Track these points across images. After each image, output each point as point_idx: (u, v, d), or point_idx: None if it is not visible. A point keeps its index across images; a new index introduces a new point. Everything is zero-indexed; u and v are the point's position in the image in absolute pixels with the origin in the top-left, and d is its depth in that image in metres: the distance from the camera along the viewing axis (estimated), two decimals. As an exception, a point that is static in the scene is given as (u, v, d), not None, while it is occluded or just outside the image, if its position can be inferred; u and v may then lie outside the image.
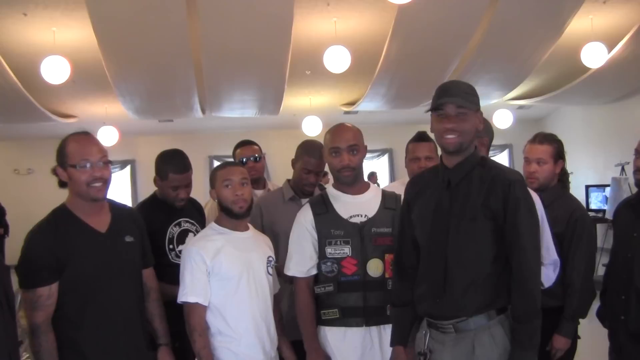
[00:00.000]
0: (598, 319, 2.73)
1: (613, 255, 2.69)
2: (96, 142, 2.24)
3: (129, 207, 2.60)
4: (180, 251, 2.82)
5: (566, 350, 2.71)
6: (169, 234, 2.86)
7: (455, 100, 1.98)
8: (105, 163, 2.20)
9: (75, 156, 2.16)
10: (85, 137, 2.23)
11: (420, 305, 2.08)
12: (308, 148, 2.96)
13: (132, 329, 2.26)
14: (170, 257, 2.84)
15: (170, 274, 2.63)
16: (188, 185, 2.89)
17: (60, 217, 2.19)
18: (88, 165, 2.15)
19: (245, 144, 3.59)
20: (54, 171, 2.24)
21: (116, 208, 2.36)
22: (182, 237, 2.88)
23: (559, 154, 2.84)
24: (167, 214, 2.89)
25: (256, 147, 3.58)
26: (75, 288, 2.13)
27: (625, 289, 2.49)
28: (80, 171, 2.15)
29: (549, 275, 2.41)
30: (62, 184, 2.25)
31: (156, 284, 2.46)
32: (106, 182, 2.20)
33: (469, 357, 1.96)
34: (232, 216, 2.42)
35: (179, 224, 2.91)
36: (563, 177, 2.88)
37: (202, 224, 2.99)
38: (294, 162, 3.06)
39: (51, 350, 2.08)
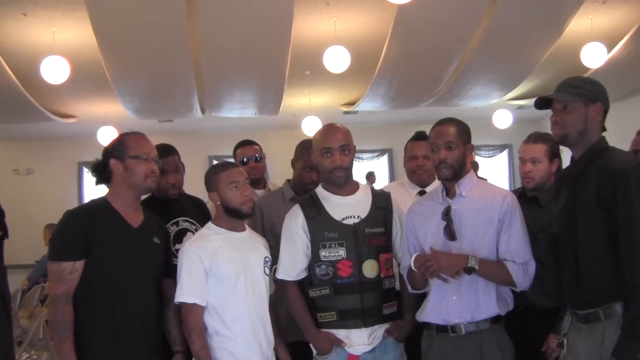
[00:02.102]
0: None
1: None
2: (150, 142, 2.43)
3: (156, 215, 2.63)
4: (176, 250, 2.81)
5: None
6: None
7: (557, 95, 2.17)
8: (156, 161, 2.38)
9: (138, 148, 2.34)
10: (143, 135, 2.43)
11: (562, 293, 2.23)
12: (308, 146, 2.95)
13: (149, 326, 2.32)
14: None
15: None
16: (176, 171, 2.86)
17: (98, 206, 2.33)
18: (148, 158, 2.33)
19: (246, 143, 3.57)
20: (97, 166, 2.36)
21: (147, 212, 2.46)
22: (179, 236, 2.85)
23: (554, 153, 2.84)
24: (164, 212, 2.84)
25: (257, 147, 3.57)
26: (95, 274, 2.20)
27: None
28: (142, 162, 2.32)
29: (520, 275, 2.24)
30: (99, 181, 2.38)
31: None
32: (157, 177, 2.39)
33: (599, 349, 2.02)
34: (240, 217, 2.42)
35: (176, 223, 2.87)
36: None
37: (205, 223, 2.95)
38: (293, 163, 3.05)
39: (66, 322, 2.14)
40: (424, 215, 2.36)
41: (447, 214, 2.27)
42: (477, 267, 2.15)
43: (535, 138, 2.87)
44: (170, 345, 2.44)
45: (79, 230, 2.22)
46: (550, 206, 2.76)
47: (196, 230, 2.87)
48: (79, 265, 2.19)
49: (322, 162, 2.42)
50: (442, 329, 2.27)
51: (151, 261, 2.37)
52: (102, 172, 2.37)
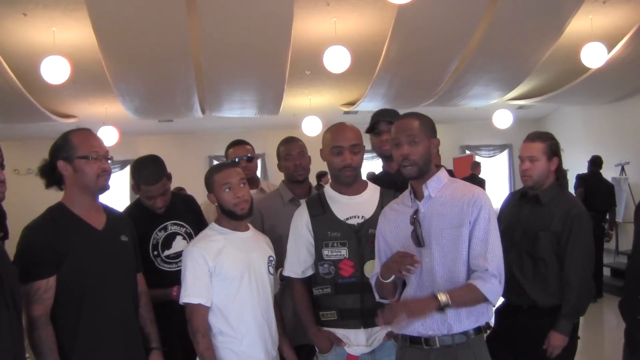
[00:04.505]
0: (620, 311, 2.71)
1: (634, 253, 2.62)
2: (99, 137, 2.30)
3: (119, 211, 2.58)
4: (166, 257, 2.80)
5: (565, 350, 2.70)
6: (153, 239, 2.80)
7: None
8: (107, 157, 2.26)
9: (86, 148, 2.19)
10: (89, 131, 2.29)
11: None
12: (282, 142, 3.02)
13: (129, 327, 2.27)
14: (156, 263, 2.78)
15: (157, 281, 2.61)
16: (164, 194, 2.80)
17: (58, 214, 2.20)
18: (98, 156, 2.20)
19: (238, 143, 3.52)
20: (45, 169, 2.23)
21: (108, 210, 2.38)
22: (168, 242, 2.82)
23: (553, 151, 2.84)
24: (151, 218, 2.81)
25: (249, 146, 3.52)
26: (72, 284, 2.12)
27: None
28: (92, 162, 2.19)
29: (493, 290, 2.01)
30: (50, 184, 2.25)
31: (146, 289, 2.46)
32: (110, 174, 2.26)
33: None
34: (236, 218, 2.41)
35: (164, 228, 2.84)
36: (560, 175, 2.89)
37: (196, 222, 2.93)
38: (279, 165, 3.06)
39: (50, 344, 2.06)
40: (394, 219, 2.20)
41: (414, 218, 2.10)
42: (450, 304, 1.95)
43: (534, 137, 2.88)
44: (145, 343, 2.38)
45: (45, 245, 2.08)
46: (551, 205, 2.78)
47: (186, 232, 2.87)
48: (53, 281, 2.08)
49: (332, 161, 2.41)
50: (415, 340, 2.10)
51: (123, 261, 2.29)
52: (51, 175, 2.22)
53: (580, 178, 7.58)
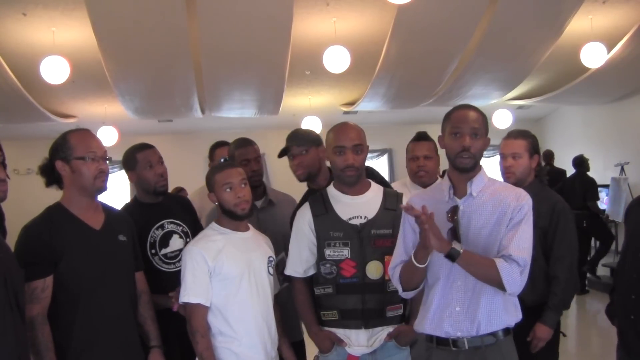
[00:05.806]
0: (607, 316, 2.72)
1: (623, 254, 2.65)
2: (97, 138, 2.30)
3: (119, 209, 2.58)
4: (163, 255, 2.79)
5: (549, 346, 2.72)
6: (150, 238, 2.79)
7: None
8: (105, 158, 2.26)
9: (83, 148, 2.20)
10: (88, 132, 2.30)
11: None
12: (236, 144, 2.99)
13: (125, 327, 2.27)
14: (154, 262, 2.77)
15: (155, 280, 2.60)
16: (160, 160, 2.81)
17: (55, 213, 2.21)
18: (95, 157, 2.20)
19: (223, 144, 3.40)
20: (45, 167, 2.24)
21: (108, 209, 2.38)
22: (165, 240, 2.81)
23: (534, 149, 2.91)
24: (147, 217, 2.80)
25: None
26: (68, 283, 2.13)
27: (636, 289, 2.44)
28: (89, 163, 2.19)
29: (511, 274, 1.95)
30: (49, 183, 2.26)
31: (147, 287, 2.46)
32: (107, 175, 2.26)
33: None
34: (236, 218, 2.40)
35: (161, 227, 2.82)
36: (539, 173, 2.93)
37: (191, 222, 2.92)
38: None
39: (47, 344, 2.07)
40: None
41: (453, 216, 2.04)
42: (460, 254, 1.92)
43: (516, 134, 2.94)
44: (145, 341, 2.38)
45: (42, 245, 2.10)
46: (535, 201, 2.80)
47: (182, 231, 2.86)
48: (49, 280, 2.10)
49: (334, 160, 2.40)
50: (442, 342, 2.06)
51: (120, 261, 2.29)
52: (50, 174, 2.24)
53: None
